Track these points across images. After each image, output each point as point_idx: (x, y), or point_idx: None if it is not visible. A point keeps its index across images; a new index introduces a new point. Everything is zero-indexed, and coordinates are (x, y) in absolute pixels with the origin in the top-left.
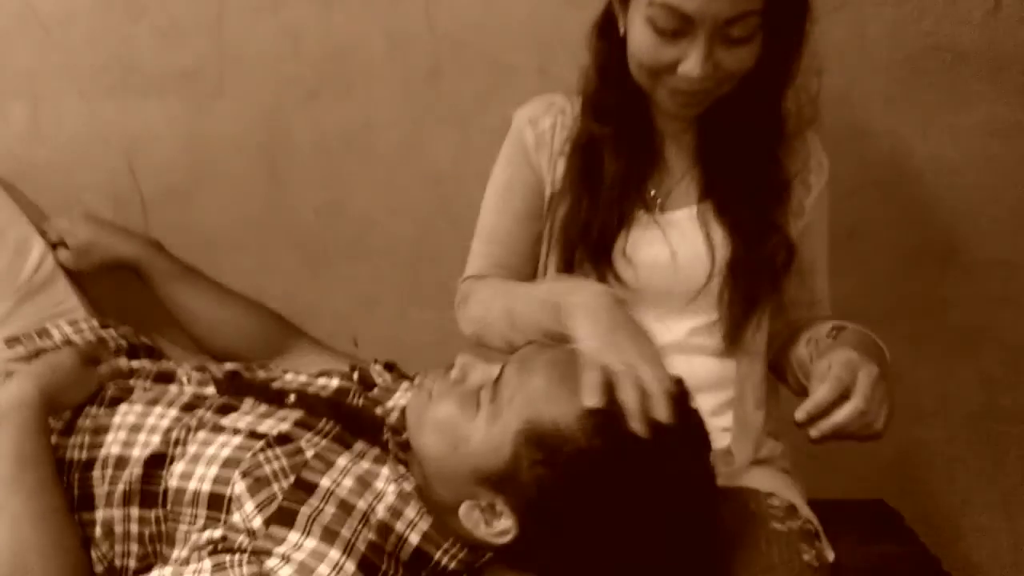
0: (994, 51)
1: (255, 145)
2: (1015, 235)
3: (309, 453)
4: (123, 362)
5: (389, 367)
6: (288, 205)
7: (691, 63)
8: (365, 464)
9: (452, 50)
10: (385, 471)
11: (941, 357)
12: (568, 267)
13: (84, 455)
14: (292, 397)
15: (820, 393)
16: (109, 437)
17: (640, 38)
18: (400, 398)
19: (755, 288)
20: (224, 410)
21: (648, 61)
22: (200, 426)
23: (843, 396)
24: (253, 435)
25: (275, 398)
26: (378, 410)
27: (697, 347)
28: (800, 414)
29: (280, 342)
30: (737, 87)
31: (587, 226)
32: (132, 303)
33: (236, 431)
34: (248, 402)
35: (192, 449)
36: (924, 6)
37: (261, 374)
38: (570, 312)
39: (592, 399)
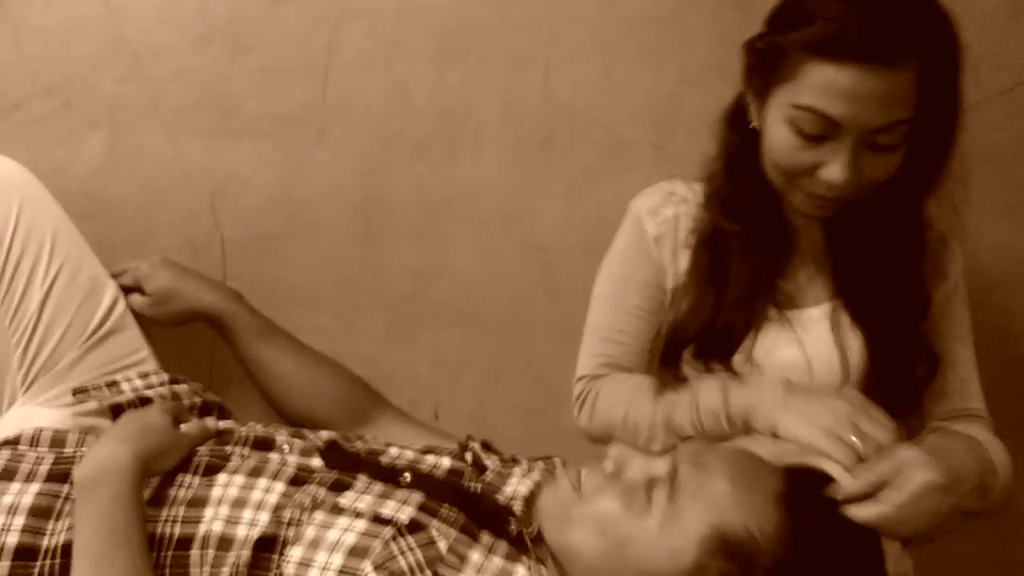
0: None
1: (352, 199)
2: None
3: (442, 545)
4: (211, 423)
5: (487, 446)
6: (380, 265)
7: (834, 170)
8: (498, 560)
9: (567, 120)
10: (521, 570)
11: None
12: (673, 363)
13: (179, 531)
14: (408, 476)
15: (858, 483)
16: (208, 512)
17: (780, 138)
18: (518, 485)
19: (893, 400)
20: (338, 487)
21: (786, 164)
22: (316, 505)
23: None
24: (378, 520)
25: (390, 476)
26: (499, 497)
27: None
28: (840, 494)
29: (364, 410)
30: (876, 191)
31: (710, 324)
32: (196, 357)
33: (358, 514)
34: (362, 479)
35: (310, 532)
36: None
37: (360, 445)
38: (770, 421)
39: (850, 485)
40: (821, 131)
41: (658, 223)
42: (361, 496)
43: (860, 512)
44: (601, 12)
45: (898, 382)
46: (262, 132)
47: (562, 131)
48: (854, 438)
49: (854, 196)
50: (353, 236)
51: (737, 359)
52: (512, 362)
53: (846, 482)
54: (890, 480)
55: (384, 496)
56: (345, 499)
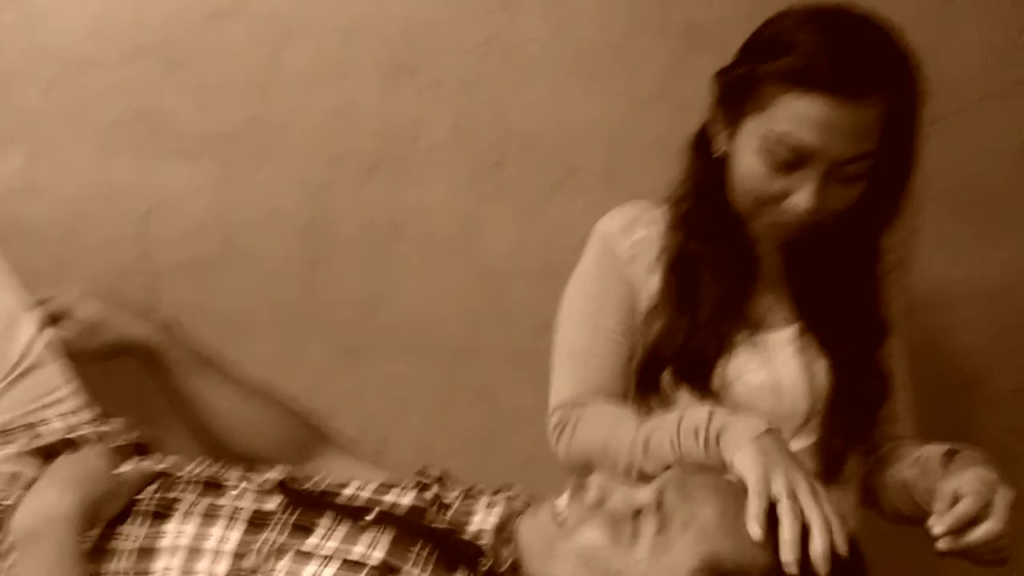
0: (1021, 192)
1: (294, 222)
2: None
3: None
4: (151, 464)
5: (441, 479)
6: (323, 291)
7: (802, 197)
8: None
9: (519, 144)
10: None
11: None
12: (652, 387)
13: None
14: (372, 515)
15: (962, 508)
16: (159, 564)
17: (751, 166)
18: (484, 518)
19: (854, 423)
20: (300, 530)
21: (757, 191)
22: (279, 552)
23: (980, 515)
24: (349, 564)
25: (352, 516)
26: (466, 533)
27: None
28: (939, 528)
29: (307, 446)
30: (836, 220)
31: (684, 347)
32: (121, 393)
33: (326, 558)
34: (325, 520)
35: None
36: (959, 145)
37: (313, 484)
38: (734, 445)
39: (756, 531)
40: (792, 160)
41: (629, 245)
42: (326, 539)
43: (976, 534)
44: (551, 37)
45: (859, 404)
46: (198, 151)
47: (514, 155)
48: (786, 505)
49: (817, 224)
50: (295, 261)
51: (719, 388)
52: (462, 390)
53: (752, 524)
54: (987, 501)
55: (350, 538)
56: (309, 544)
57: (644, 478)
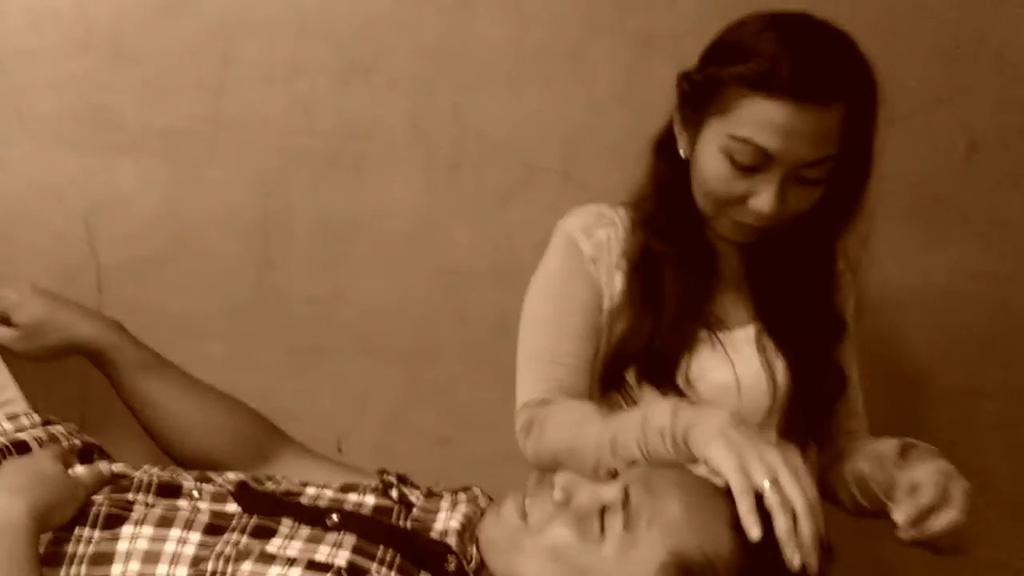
0: (967, 195)
1: (247, 220)
2: (979, 366)
3: None
4: (105, 467)
5: (403, 479)
6: (278, 290)
7: (763, 199)
8: None
9: (476, 144)
10: None
11: None
12: (616, 385)
13: None
14: (335, 517)
15: (924, 497)
16: (116, 570)
17: (713, 167)
18: (448, 519)
19: (812, 420)
20: (261, 533)
21: (719, 192)
22: (241, 555)
23: (939, 504)
24: (315, 566)
25: (315, 518)
26: (432, 534)
27: None
28: (902, 517)
29: (264, 447)
30: (795, 222)
31: (648, 346)
32: (66, 395)
33: (291, 561)
34: (286, 523)
35: None
36: (907, 149)
37: (273, 486)
38: (703, 442)
39: (754, 531)
40: (754, 163)
41: (593, 244)
42: (289, 541)
43: (939, 522)
44: (508, 39)
45: (816, 401)
46: (146, 147)
47: (471, 156)
48: (767, 486)
49: (776, 225)
50: (248, 259)
51: (683, 386)
52: (420, 390)
53: (749, 524)
54: (946, 492)
55: (314, 540)
56: (272, 546)
57: (612, 474)
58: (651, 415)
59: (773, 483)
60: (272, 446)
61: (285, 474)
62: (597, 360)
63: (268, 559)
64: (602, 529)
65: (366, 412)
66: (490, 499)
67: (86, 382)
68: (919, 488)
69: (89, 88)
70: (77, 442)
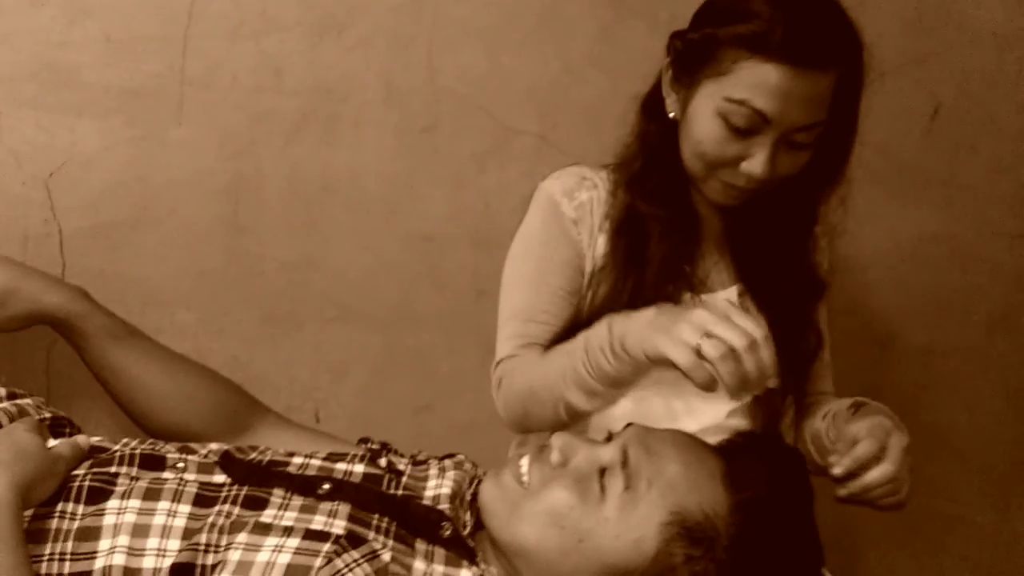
0: (929, 160)
1: (216, 184)
2: (936, 328)
3: (386, 556)
4: (83, 440)
5: (387, 448)
6: (250, 256)
7: (756, 162)
8: (439, 567)
9: (452, 105)
10: (465, 573)
11: None
12: None
13: (69, 568)
14: (327, 486)
15: (860, 449)
16: (104, 544)
17: (707, 129)
18: (438, 486)
19: (792, 379)
20: (253, 504)
21: (712, 154)
22: (236, 526)
23: (876, 458)
24: (313, 535)
25: (306, 487)
26: (424, 501)
27: (734, 428)
28: (838, 469)
29: (242, 418)
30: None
31: (630, 308)
32: (29, 366)
33: (287, 530)
34: (278, 493)
35: (235, 556)
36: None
37: (258, 456)
38: (638, 342)
39: (699, 373)
40: (749, 125)
41: (575, 206)
42: (283, 512)
43: (871, 475)
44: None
45: (796, 360)
46: (108, 107)
47: (447, 117)
48: (705, 343)
49: (763, 188)
50: (218, 225)
51: None
52: (398, 357)
53: (695, 375)
54: (883, 445)
55: (308, 510)
56: (266, 516)
57: (575, 415)
58: (590, 336)
59: (706, 336)
60: (249, 417)
61: (266, 445)
62: (579, 322)
63: (264, 529)
64: (602, 490)
65: (343, 381)
66: (474, 465)
67: (50, 354)
68: (857, 442)
69: (46, 44)
70: (47, 415)
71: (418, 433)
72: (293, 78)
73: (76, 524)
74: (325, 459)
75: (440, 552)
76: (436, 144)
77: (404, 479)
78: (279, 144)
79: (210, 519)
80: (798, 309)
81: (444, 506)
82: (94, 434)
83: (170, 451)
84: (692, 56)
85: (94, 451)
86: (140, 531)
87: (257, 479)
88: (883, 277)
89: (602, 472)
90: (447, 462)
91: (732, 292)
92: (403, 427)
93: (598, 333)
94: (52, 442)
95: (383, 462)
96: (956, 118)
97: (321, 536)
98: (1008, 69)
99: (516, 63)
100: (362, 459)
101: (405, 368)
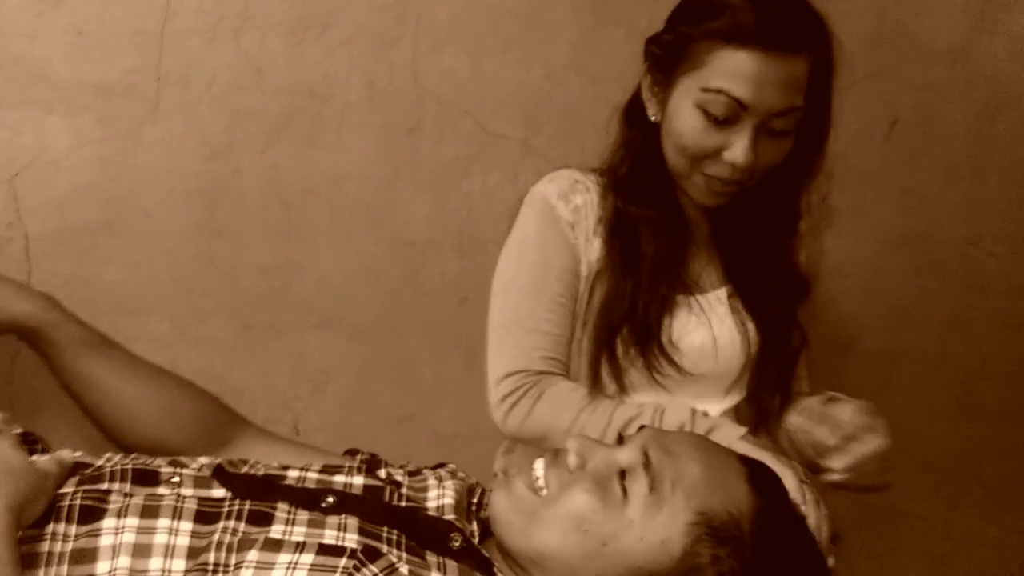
0: (887, 168)
1: (193, 186)
2: (896, 330)
3: (404, 570)
4: (67, 455)
5: (375, 459)
6: (226, 262)
7: (737, 150)
8: None
9: (436, 108)
10: None
11: None
12: (608, 350)
13: None
14: (331, 499)
15: (850, 426)
16: (102, 567)
17: (688, 123)
18: (443, 497)
19: (780, 377)
20: (259, 519)
21: (693, 146)
22: (245, 544)
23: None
24: (327, 550)
25: (310, 501)
26: (430, 513)
27: None
28: (832, 440)
29: (223, 431)
30: (762, 180)
31: (631, 310)
32: None
33: (300, 546)
34: (282, 507)
35: (247, 575)
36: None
37: (248, 469)
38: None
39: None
40: (727, 114)
41: (571, 209)
42: (291, 527)
43: (866, 446)
44: (465, 2)
45: (783, 359)
46: (78, 104)
47: (430, 120)
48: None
49: (748, 180)
50: (195, 229)
51: (669, 349)
52: (380, 366)
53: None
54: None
55: (316, 524)
56: (275, 532)
57: (618, 440)
58: (669, 412)
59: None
60: (230, 430)
61: (249, 458)
62: (582, 329)
63: (275, 546)
64: (624, 493)
65: (324, 391)
66: (466, 475)
67: (13, 365)
68: (843, 422)
69: (12, 36)
70: (17, 431)
71: (401, 443)
72: (274, 78)
73: (70, 546)
74: (322, 471)
75: (452, 564)
76: (420, 147)
77: (404, 490)
78: (258, 146)
79: (216, 536)
80: (784, 309)
81: (450, 516)
82: (59, 451)
83: (162, 465)
84: (669, 57)
85: (78, 467)
86: (141, 551)
87: (259, 493)
88: (845, 283)
89: (622, 474)
90: (442, 472)
91: (722, 293)
92: (386, 438)
93: (678, 415)
94: (34, 458)
95: (383, 473)
96: (912, 129)
97: (336, 551)
98: (959, 82)
99: (499, 67)
100: (360, 471)
101: (387, 377)
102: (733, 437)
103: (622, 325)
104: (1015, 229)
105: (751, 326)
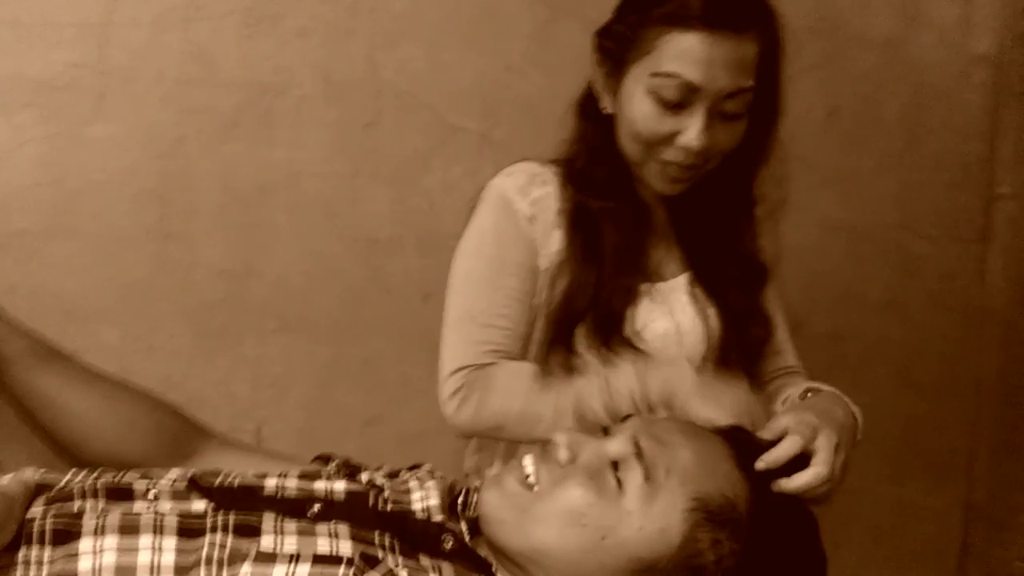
0: (825, 156)
1: (141, 185)
2: (839, 314)
3: (403, 574)
4: (30, 474)
5: (349, 463)
6: (179, 265)
7: (691, 134)
8: None
9: (395, 102)
10: None
11: None
12: (565, 343)
13: None
14: (317, 507)
15: (783, 448)
16: None
17: (641, 109)
18: (427, 498)
19: (743, 363)
20: (246, 531)
21: (647, 132)
22: (235, 558)
23: (805, 458)
24: (323, 560)
25: (296, 510)
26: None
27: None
28: (760, 464)
29: (185, 443)
30: (717, 165)
31: (594, 301)
32: None
33: (294, 557)
34: (268, 518)
35: None
36: None
37: (222, 479)
38: (687, 402)
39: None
40: (679, 97)
41: (529, 203)
42: (280, 537)
43: (803, 478)
44: None
45: (746, 343)
46: (18, 101)
47: (389, 113)
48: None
49: (704, 165)
50: (144, 231)
51: (633, 338)
52: (344, 367)
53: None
54: (808, 444)
55: (306, 533)
56: (265, 544)
57: (603, 430)
58: (616, 381)
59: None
60: (192, 441)
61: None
62: (542, 320)
63: (268, 559)
64: (619, 483)
65: (286, 395)
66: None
67: None
68: (785, 435)
69: None
70: None
71: (367, 446)
72: (225, 71)
73: (45, 571)
74: (301, 478)
75: (447, 566)
76: (378, 141)
77: (387, 493)
78: (211, 142)
79: (203, 552)
80: (744, 295)
81: (438, 518)
82: (21, 470)
83: (134, 480)
84: (618, 46)
85: (41, 488)
86: (125, 572)
87: (243, 504)
88: (792, 267)
89: (614, 465)
90: (420, 472)
91: (682, 280)
92: (351, 441)
93: (626, 380)
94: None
95: (364, 477)
96: (849, 118)
97: (332, 560)
98: (894, 72)
99: (457, 59)
100: (339, 475)
101: (351, 379)
102: (689, 378)
103: (585, 316)
104: (947, 214)
105: (712, 313)
